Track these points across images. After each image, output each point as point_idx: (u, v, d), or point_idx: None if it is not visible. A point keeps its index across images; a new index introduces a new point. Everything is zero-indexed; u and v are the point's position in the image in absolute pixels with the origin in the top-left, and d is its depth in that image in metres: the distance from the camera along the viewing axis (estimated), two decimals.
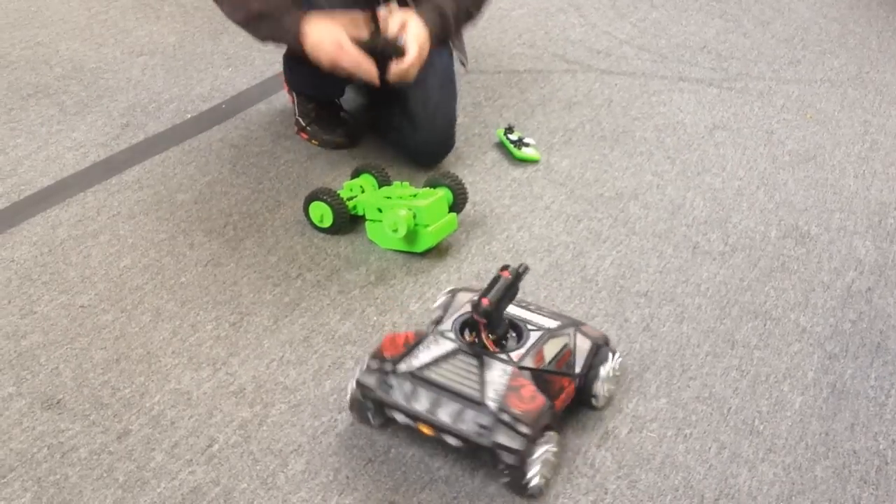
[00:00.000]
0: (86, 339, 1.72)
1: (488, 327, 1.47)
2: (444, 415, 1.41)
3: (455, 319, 1.55)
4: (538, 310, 1.62)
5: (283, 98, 2.50)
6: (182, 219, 2.04)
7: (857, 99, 2.68)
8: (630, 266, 1.98)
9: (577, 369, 1.54)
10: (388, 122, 2.27)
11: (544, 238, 2.06)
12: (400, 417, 1.45)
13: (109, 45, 2.75)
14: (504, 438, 1.38)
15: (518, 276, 1.49)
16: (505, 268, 1.48)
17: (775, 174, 2.32)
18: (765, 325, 1.83)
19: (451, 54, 2.24)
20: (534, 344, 1.51)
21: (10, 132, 2.32)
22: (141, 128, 2.36)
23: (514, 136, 2.35)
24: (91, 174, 2.18)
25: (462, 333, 1.53)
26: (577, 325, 1.61)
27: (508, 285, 1.47)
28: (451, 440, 1.42)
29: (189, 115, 2.43)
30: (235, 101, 2.50)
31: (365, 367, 1.48)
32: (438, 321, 1.56)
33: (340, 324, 1.79)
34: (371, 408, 1.48)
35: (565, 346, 1.54)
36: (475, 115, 2.47)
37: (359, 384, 1.47)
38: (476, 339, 1.50)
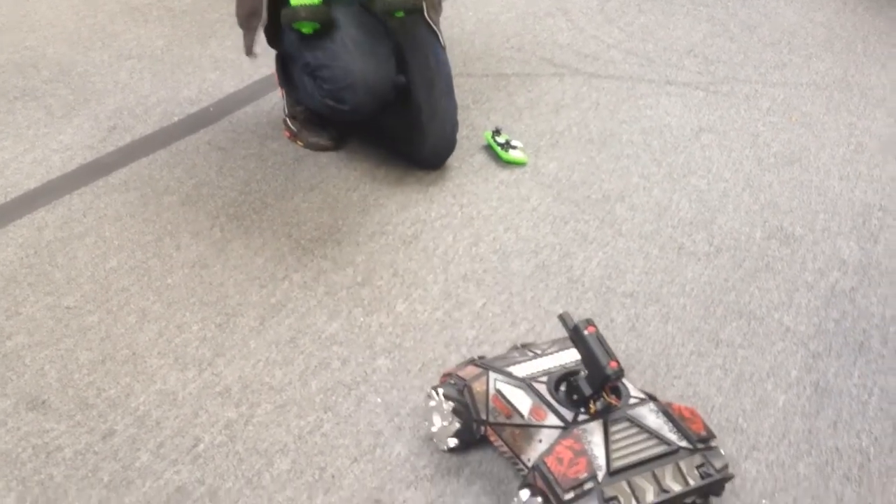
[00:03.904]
0: (71, 340, 1.72)
1: (614, 387, 1.45)
2: (671, 484, 1.36)
3: (555, 403, 1.45)
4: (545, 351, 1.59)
5: (270, 102, 2.51)
6: (169, 221, 2.05)
7: (842, 102, 2.70)
8: (616, 267, 1.99)
9: None
10: (394, 132, 2.28)
11: (531, 239, 2.06)
12: None
13: (97, 49, 2.75)
14: (718, 459, 1.41)
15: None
16: (590, 323, 1.42)
17: (760, 176, 2.33)
18: (749, 325, 1.84)
19: (447, 61, 2.27)
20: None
21: None
22: (128, 130, 2.36)
23: (501, 139, 2.36)
24: (78, 176, 2.18)
25: (578, 408, 1.44)
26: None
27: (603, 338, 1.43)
28: (689, 499, 1.38)
29: (176, 118, 2.43)
30: (222, 104, 2.50)
31: (570, 500, 1.32)
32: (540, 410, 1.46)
33: (327, 324, 1.79)
34: None
35: None
36: (463, 118, 2.47)
37: None
38: (596, 406, 1.42)
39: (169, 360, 1.69)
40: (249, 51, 2.16)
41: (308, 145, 2.34)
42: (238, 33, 2.18)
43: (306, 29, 2.03)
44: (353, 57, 2.04)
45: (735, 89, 2.75)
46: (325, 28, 2.05)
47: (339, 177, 2.24)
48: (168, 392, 1.62)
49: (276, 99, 2.49)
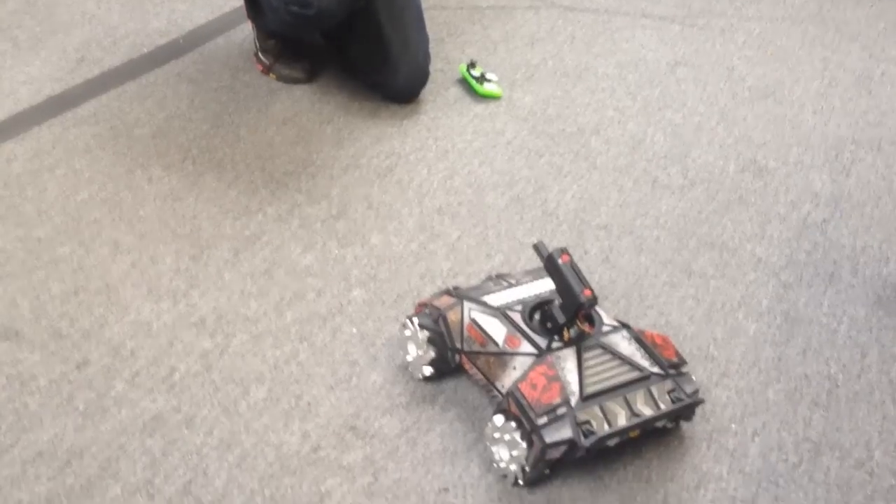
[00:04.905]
0: (43, 272, 1.70)
1: (587, 315, 1.45)
2: (643, 408, 1.37)
3: (529, 331, 1.45)
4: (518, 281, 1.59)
5: (242, 33, 2.47)
6: (140, 153, 2.02)
7: (817, 36, 2.70)
8: (591, 199, 1.99)
9: None
10: (366, 65, 2.25)
11: (506, 173, 2.06)
12: (613, 442, 1.36)
13: None
14: (689, 384, 1.43)
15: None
16: (564, 252, 1.42)
17: (735, 110, 2.33)
18: (721, 256, 1.86)
19: None
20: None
21: None
22: (97, 62, 2.32)
23: (476, 72, 2.34)
24: (46, 108, 2.14)
25: (552, 336, 1.44)
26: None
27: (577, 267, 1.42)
28: (660, 423, 1.41)
29: (145, 50, 2.39)
30: (193, 36, 2.46)
31: (543, 424, 1.33)
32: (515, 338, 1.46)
33: (302, 256, 1.79)
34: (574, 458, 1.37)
35: None
36: (437, 51, 2.45)
37: (556, 444, 1.33)
38: (570, 334, 1.42)
39: (143, 292, 1.68)
40: None
41: (281, 78, 2.31)
42: None
43: None
44: None
45: (711, 23, 2.73)
46: None
47: (313, 110, 2.22)
48: (142, 323, 1.62)
49: (247, 31, 2.45)
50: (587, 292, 1.39)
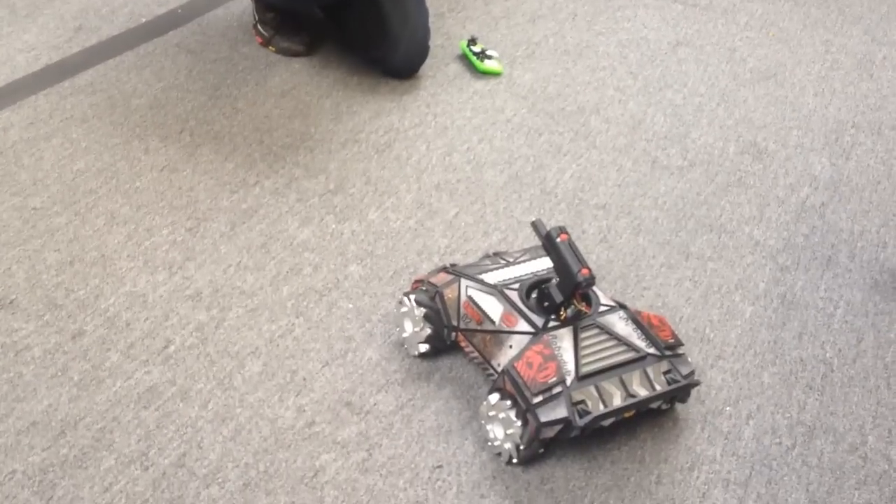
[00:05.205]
0: (39, 241, 1.70)
1: (584, 294, 1.44)
2: (638, 389, 1.37)
3: (526, 309, 1.45)
4: (516, 260, 1.59)
5: (241, 4, 2.45)
6: (137, 123, 2.01)
7: (819, 18, 2.68)
8: (589, 179, 1.99)
9: None
10: (365, 40, 2.24)
11: (505, 150, 2.05)
12: (607, 422, 1.37)
13: None
14: (684, 366, 1.43)
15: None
16: (562, 230, 1.41)
17: (736, 91, 2.32)
18: (719, 238, 1.85)
19: None
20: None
21: None
22: (94, 31, 2.30)
23: (477, 48, 2.33)
24: (43, 77, 2.13)
25: (549, 315, 1.43)
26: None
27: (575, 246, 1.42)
28: (655, 404, 1.42)
29: (144, 19, 2.37)
30: (191, 6, 2.44)
31: (538, 403, 1.33)
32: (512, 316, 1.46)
33: (299, 231, 1.78)
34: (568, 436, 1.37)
35: None
36: (438, 27, 2.43)
37: (551, 423, 1.33)
38: (567, 313, 1.42)
39: (139, 263, 1.67)
40: None
41: (280, 51, 2.29)
42: None
43: None
44: None
45: (713, 3, 2.72)
46: None
47: (312, 83, 2.20)
48: (138, 294, 1.61)
49: (246, 2, 2.43)
50: (585, 271, 1.38)
